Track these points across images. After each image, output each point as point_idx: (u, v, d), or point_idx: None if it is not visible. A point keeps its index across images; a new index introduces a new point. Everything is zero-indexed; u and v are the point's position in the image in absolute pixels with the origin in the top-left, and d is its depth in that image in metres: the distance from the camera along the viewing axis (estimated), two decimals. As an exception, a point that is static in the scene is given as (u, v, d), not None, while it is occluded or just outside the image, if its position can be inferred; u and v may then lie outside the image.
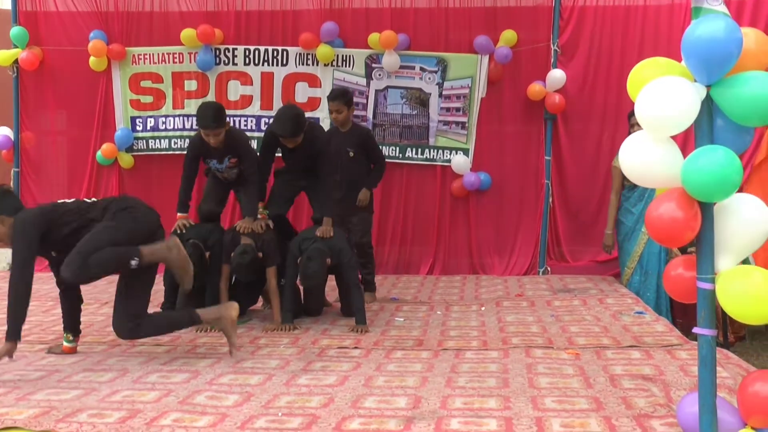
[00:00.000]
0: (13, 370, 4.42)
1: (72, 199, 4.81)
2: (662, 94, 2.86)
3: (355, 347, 4.92)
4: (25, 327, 5.42)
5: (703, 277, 2.88)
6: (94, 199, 4.89)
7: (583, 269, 7.79)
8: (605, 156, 7.71)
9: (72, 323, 4.86)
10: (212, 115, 5.58)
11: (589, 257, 7.91)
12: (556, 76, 7.77)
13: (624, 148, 3.03)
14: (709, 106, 2.91)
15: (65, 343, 4.84)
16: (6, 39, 8.62)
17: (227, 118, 5.75)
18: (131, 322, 4.50)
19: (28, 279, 4.37)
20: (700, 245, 2.90)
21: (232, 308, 4.67)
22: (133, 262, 4.39)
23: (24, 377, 4.26)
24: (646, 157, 2.97)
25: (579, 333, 5.20)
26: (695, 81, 2.90)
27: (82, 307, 4.98)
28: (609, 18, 7.89)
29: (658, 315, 5.84)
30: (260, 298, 6.15)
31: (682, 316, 6.52)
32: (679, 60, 3.02)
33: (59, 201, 4.73)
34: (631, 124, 6.62)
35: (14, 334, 4.32)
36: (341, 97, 6.40)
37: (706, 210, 2.88)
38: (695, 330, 2.91)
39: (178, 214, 5.85)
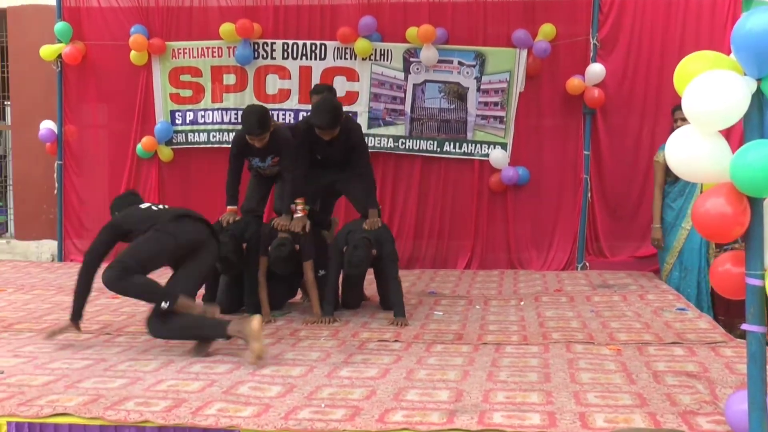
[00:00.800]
0: (61, 358, 4.50)
1: (147, 205, 5.04)
2: (711, 88, 2.82)
3: (396, 340, 4.93)
4: (68, 317, 5.57)
5: (752, 273, 2.85)
6: (163, 206, 5.07)
7: (622, 265, 7.73)
8: (645, 150, 7.66)
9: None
10: (256, 120, 5.58)
11: (628, 253, 7.86)
12: (596, 70, 7.71)
13: (671, 142, 3.00)
14: (759, 99, 2.87)
15: None
16: (50, 34, 8.75)
17: (271, 121, 5.74)
18: (158, 318, 4.56)
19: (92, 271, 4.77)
20: (749, 241, 2.87)
21: (255, 320, 4.47)
22: (164, 305, 4.47)
23: (71, 366, 4.32)
24: (694, 152, 2.93)
25: (620, 329, 5.17)
26: (745, 74, 2.86)
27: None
28: (650, 11, 7.81)
29: (700, 312, 5.78)
30: (299, 291, 6.18)
31: (724, 313, 6.47)
32: (723, 53, 2.98)
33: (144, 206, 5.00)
34: (675, 119, 6.57)
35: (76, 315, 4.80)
36: (328, 89, 6.35)
37: (755, 205, 2.85)
38: (744, 326, 2.89)
39: (228, 207, 5.89)
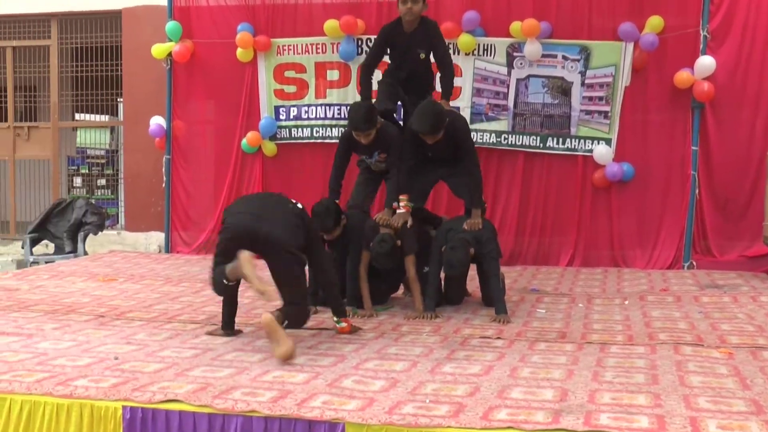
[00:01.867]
0: (171, 347, 4.62)
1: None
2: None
3: (498, 337, 4.89)
4: (176, 307, 5.74)
5: None
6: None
7: (731, 265, 7.49)
8: (758, 146, 7.43)
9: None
10: (363, 117, 5.65)
11: (738, 252, 7.62)
12: (706, 62, 7.51)
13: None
14: None
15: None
16: (161, 33, 9.02)
17: (377, 117, 5.76)
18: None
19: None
20: None
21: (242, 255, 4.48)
22: (225, 282, 4.60)
23: (180, 354, 4.44)
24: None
25: (731, 331, 5.00)
26: None
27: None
28: (765, 1, 7.55)
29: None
30: (401, 286, 6.20)
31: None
32: None
33: None
34: None
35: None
36: None
37: None
38: None
39: None
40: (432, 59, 6.33)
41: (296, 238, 4.66)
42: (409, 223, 5.65)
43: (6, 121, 11.17)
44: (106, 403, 3.63)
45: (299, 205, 4.87)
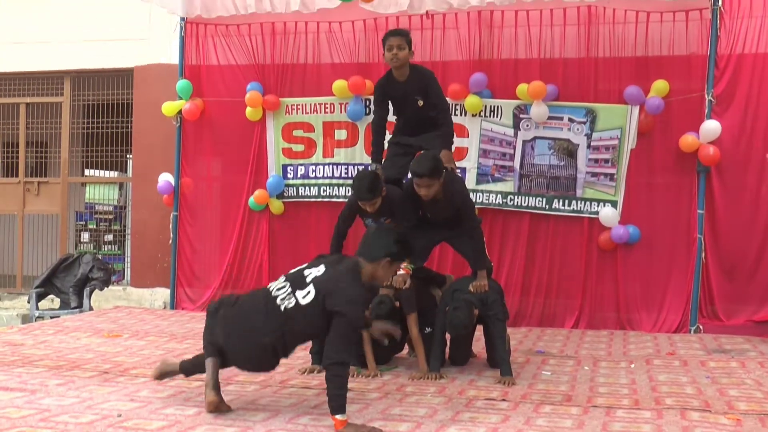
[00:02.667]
0: (174, 404, 4.58)
1: None
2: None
3: (503, 399, 4.86)
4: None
5: None
6: None
7: (738, 329, 7.44)
8: (764, 210, 7.45)
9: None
10: (367, 187, 5.65)
11: (746, 316, 7.56)
12: (711, 127, 7.56)
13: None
14: None
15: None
16: (172, 91, 9.14)
17: (382, 186, 5.76)
18: None
19: None
20: None
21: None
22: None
23: (183, 412, 4.40)
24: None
25: (739, 397, 4.95)
26: None
27: None
28: (769, 66, 7.67)
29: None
30: (406, 346, 6.18)
31: None
32: None
33: None
34: None
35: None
36: (404, 33, 6.11)
37: None
38: None
39: None
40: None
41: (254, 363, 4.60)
42: (407, 284, 5.64)
43: (17, 176, 11.27)
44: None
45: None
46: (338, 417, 3.98)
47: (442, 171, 5.65)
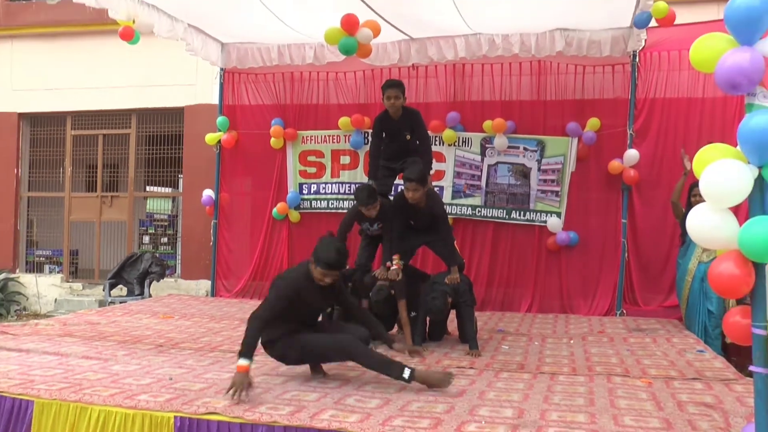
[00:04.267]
0: (212, 371, 4.64)
1: None
2: (722, 173, 2.83)
3: (471, 367, 4.91)
4: (218, 339, 5.68)
5: (757, 324, 2.81)
6: None
7: (652, 313, 7.48)
8: (671, 219, 7.44)
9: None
10: (368, 194, 5.75)
11: (658, 303, 7.61)
12: (632, 154, 7.62)
13: (691, 216, 2.99)
14: (760, 183, 2.85)
15: None
16: (213, 125, 9.19)
17: (377, 195, 5.85)
18: None
19: None
20: (754, 297, 2.83)
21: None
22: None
23: (220, 377, 4.42)
24: (709, 224, 2.92)
25: (651, 365, 5.02)
26: (749, 162, 2.85)
27: None
28: (674, 108, 7.71)
29: (716, 353, 5.54)
30: (396, 326, 6.22)
31: (737, 354, 6.20)
32: (733, 143, 2.98)
33: None
34: (693, 194, 6.46)
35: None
36: (399, 85, 6.17)
37: (759, 268, 2.81)
38: (751, 368, 2.83)
39: None
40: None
41: None
42: (400, 276, 5.68)
43: (95, 191, 11.32)
44: (161, 413, 3.68)
45: None
46: (241, 362, 3.93)
47: (427, 179, 5.72)
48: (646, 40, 7.46)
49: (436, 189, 7.29)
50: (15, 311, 10.89)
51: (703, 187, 2.89)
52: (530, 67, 8.16)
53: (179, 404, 3.74)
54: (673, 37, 7.59)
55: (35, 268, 11.61)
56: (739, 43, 2.88)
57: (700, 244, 3.10)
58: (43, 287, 11.19)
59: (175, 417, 3.64)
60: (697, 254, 6.49)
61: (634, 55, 7.68)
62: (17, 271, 11.44)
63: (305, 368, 4.70)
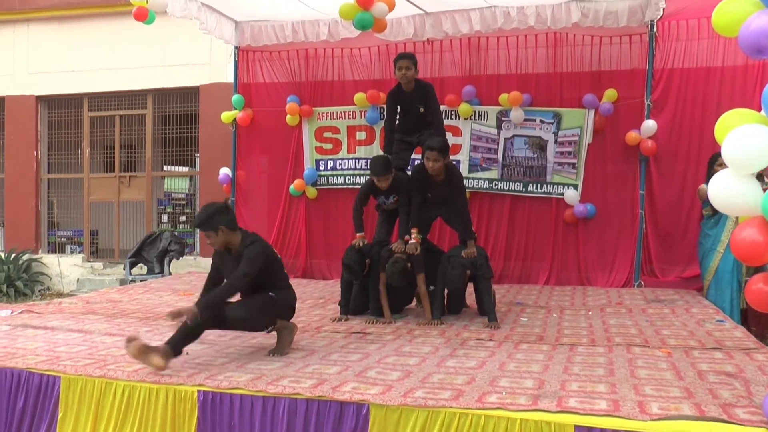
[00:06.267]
0: (234, 346, 4.66)
1: None
2: (745, 138, 2.77)
3: (490, 339, 4.90)
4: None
5: (781, 291, 2.76)
6: None
7: (670, 284, 7.45)
8: (689, 190, 7.43)
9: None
10: (382, 165, 5.75)
11: (676, 274, 7.57)
12: (650, 125, 7.54)
13: (713, 183, 2.93)
14: (785, 148, 2.78)
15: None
16: (228, 104, 9.18)
17: (392, 167, 5.83)
18: None
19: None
20: (779, 265, 2.78)
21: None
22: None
23: (241, 352, 4.49)
24: (732, 191, 2.86)
25: (670, 335, 5.00)
26: (773, 128, 2.79)
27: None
28: (693, 77, 7.62)
29: (736, 323, 5.50)
30: (414, 300, 6.23)
31: (756, 324, 6.16)
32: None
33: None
34: (717, 164, 6.33)
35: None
36: (411, 57, 6.16)
37: (783, 235, 2.76)
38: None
39: (357, 234, 5.90)
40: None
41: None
42: (418, 250, 5.66)
43: (114, 171, 11.36)
44: (185, 387, 3.71)
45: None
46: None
47: (448, 151, 5.70)
48: (664, 9, 7.33)
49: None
50: (39, 291, 11.02)
51: (726, 153, 2.83)
52: (546, 39, 8.05)
53: (202, 378, 3.77)
54: (691, 6, 7.45)
55: (57, 248, 11.72)
56: (765, 5, 2.80)
57: (723, 210, 3.05)
58: (65, 267, 11.30)
59: (199, 391, 3.67)
60: (731, 225, 6.38)
61: (652, 25, 7.56)
62: (40, 252, 11.55)
63: (326, 341, 4.73)
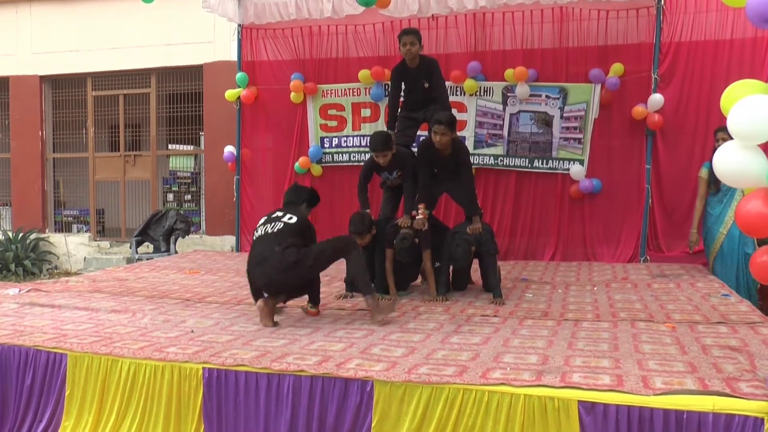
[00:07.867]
0: (239, 323, 4.67)
1: None
2: (752, 109, 2.73)
3: (495, 315, 4.90)
4: (243, 293, 5.72)
5: (787, 264, 2.74)
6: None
7: (676, 259, 7.42)
8: (696, 165, 7.31)
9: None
10: (381, 141, 5.70)
11: (681, 249, 7.53)
12: (656, 99, 7.47)
13: (718, 154, 2.89)
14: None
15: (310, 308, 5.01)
16: (232, 82, 9.13)
17: (392, 143, 5.79)
18: None
19: None
20: (785, 238, 2.76)
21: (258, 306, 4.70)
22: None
23: (246, 329, 4.50)
24: (737, 162, 2.83)
25: (675, 310, 4.98)
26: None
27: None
28: (701, 51, 7.53)
29: (741, 297, 5.47)
30: (419, 276, 6.23)
31: (762, 299, 6.14)
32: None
33: None
34: (717, 138, 6.31)
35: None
36: (415, 32, 6.08)
37: (789, 208, 2.73)
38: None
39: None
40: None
41: (287, 274, 4.56)
42: (425, 226, 5.65)
43: (119, 151, 11.37)
44: (190, 365, 3.71)
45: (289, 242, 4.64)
46: None
47: (455, 125, 5.66)
48: (672, -18, 7.25)
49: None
50: (47, 270, 11.08)
51: (731, 124, 2.79)
52: (552, 13, 7.96)
53: (207, 356, 3.78)
54: (699, -22, 7.36)
55: (64, 227, 11.78)
56: (771, -25, 2.74)
57: (727, 182, 3.01)
58: (72, 246, 11.36)
59: (204, 368, 3.68)
60: (736, 204, 6.34)
61: (659, -2, 7.47)
62: (47, 231, 11.61)
63: (331, 318, 4.74)
